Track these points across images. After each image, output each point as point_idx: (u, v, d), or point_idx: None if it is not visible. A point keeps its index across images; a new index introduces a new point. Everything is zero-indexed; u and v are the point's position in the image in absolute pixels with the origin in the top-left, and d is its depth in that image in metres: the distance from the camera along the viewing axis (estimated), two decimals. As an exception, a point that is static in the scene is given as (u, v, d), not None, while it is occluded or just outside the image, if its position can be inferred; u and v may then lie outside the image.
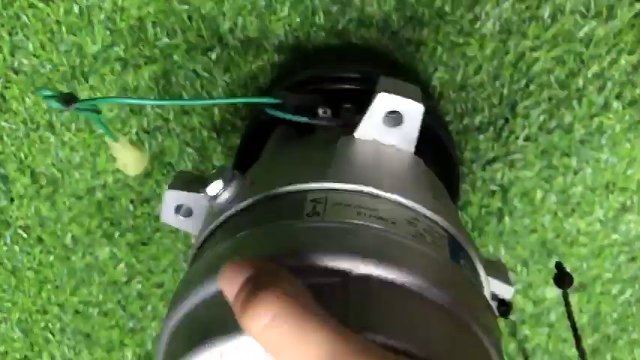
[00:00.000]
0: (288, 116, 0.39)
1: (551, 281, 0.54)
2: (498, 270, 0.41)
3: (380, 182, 0.32)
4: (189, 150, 0.54)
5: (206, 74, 0.52)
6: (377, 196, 0.31)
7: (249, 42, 0.51)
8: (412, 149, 0.36)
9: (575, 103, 0.52)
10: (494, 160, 0.53)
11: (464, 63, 0.50)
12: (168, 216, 0.40)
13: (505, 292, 0.43)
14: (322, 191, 0.31)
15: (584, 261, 0.54)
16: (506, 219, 0.53)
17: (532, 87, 0.52)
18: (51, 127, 0.53)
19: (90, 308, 0.57)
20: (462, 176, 0.52)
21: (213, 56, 0.51)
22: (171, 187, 0.40)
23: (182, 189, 0.39)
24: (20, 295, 0.57)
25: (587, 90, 0.52)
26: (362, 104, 0.38)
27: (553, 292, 0.54)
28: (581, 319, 0.55)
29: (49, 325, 0.57)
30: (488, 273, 0.38)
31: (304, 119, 0.40)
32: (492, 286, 0.39)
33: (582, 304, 0.54)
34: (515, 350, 0.55)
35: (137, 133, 0.53)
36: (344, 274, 0.26)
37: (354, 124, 0.37)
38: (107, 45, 0.51)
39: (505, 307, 0.40)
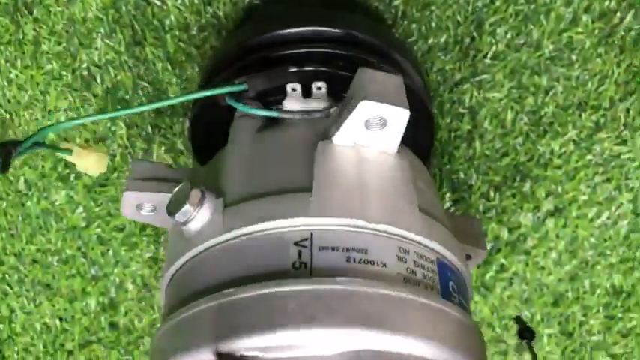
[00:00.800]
0: (253, 111, 0.36)
1: (526, 206, 0.53)
2: (473, 233, 0.41)
3: (367, 210, 0.30)
4: (144, 83, 0.51)
5: (157, 2, 0.50)
6: (365, 231, 0.30)
7: (200, -36, 0.48)
8: (395, 150, 0.34)
9: (542, 17, 0.50)
10: (461, 81, 0.51)
11: (426, -22, 0.48)
12: (129, 213, 0.39)
13: (478, 254, 0.41)
14: (307, 230, 0.30)
15: (558, 184, 0.52)
16: (477, 143, 0.52)
17: (497, 2, 0.50)
18: (-3, 65, 0.51)
19: (48, 256, 0.54)
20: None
21: (164, -18, 0.49)
22: (130, 188, 0.38)
23: (142, 189, 0.38)
24: (-26, 246, 0.55)
25: (554, 4, 0.50)
26: (335, 81, 0.37)
27: (528, 218, 0.53)
28: (559, 245, 0.53)
29: (6, 276, 0.55)
30: (462, 240, 0.37)
31: (273, 114, 0.36)
32: (466, 250, 0.40)
33: (559, 229, 0.53)
34: (492, 279, 0.53)
35: (88, 68, 0.51)
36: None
37: (328, 114, 0.35)
38: (51, -27, 0.48)
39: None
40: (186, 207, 0.31)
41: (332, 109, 0.36)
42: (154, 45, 0.51)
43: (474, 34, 0.50)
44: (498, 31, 0.50)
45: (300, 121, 0.36)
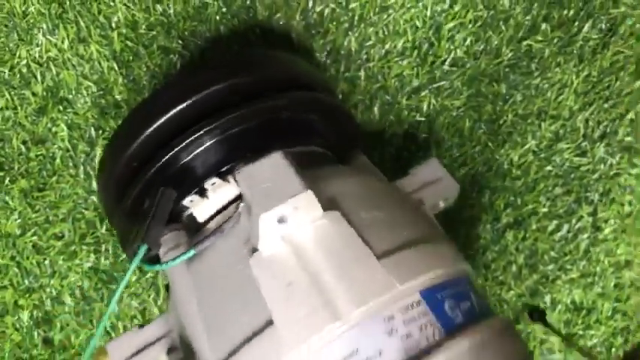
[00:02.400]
0: (169, 265, 0.34)
1: (485, 218, 0.51)
2: (436, 177, 0.39)
3: (335, 308, 0.28)
4: (88, 83, 0.49)
5: (104, -3, 0.47)
6: (345, 332, 0.28)
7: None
8: (321, 211, 0.31)
9: (502, 24, 0.49)
10: (419, 88, 0.50)
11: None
12: None
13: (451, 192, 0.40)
14: None
15: (518, 196, 0.51)
16: (433, 151, 0.50)
17: (456, 7, 0.49)
18: None
19: (-21, 266, 0.51)
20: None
21: (112, -22, 0.47)
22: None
23: None
24: None
25: (513, 10, 0.49)
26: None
27: (487, 230, 0.51)
28: (518, 260, 0.51)
29: None
30: (431, 190, 0.38)
31: (189, 254, 0.33)
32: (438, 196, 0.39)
33: (518, 242, 0.51)
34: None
35: (28, 65, 0.48)
36: None
37: (238, 219, 0.33)
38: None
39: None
40: None
41: (238, 212, 0.34)
42: (100, 43, 0.48)
43: (433, 39, 0.49)
44: (457, 37, 0.49)
45: (218, 242, 0.33)
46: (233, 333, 0.30)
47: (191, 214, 0.36)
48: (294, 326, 0.28)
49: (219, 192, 0.35)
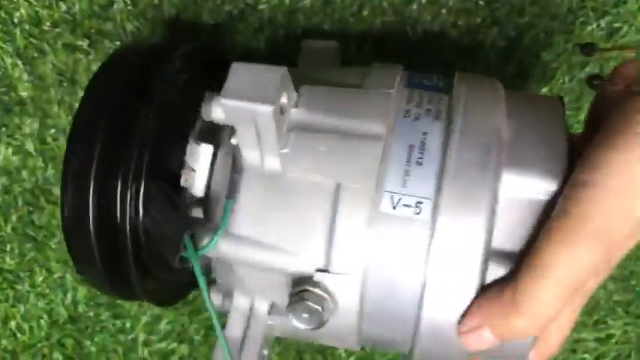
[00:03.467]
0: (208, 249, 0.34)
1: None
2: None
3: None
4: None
5: None
6: None
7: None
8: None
9: (409, 30, 0.50)
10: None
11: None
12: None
13: None
14: None
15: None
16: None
17: (365, 12, 0.49)
18: None
19: None
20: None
21: None
22: None
23: None
24: None
25: (421, 17, 0.50)
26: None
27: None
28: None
29: None
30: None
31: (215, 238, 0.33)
32: None
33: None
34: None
35: None
36: None
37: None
38: None
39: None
40: None
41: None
42: (2, 39, 0.47)
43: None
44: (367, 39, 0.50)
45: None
46: None
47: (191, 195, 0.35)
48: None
49: (198, 157, 0.34)
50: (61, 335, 0.52)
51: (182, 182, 0.34)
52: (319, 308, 0.32)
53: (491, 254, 0.31)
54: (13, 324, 0.52)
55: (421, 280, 0.31)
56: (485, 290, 0.31)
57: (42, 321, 0.52)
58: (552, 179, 0.31)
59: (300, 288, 0.32)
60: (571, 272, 0.28)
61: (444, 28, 0.50)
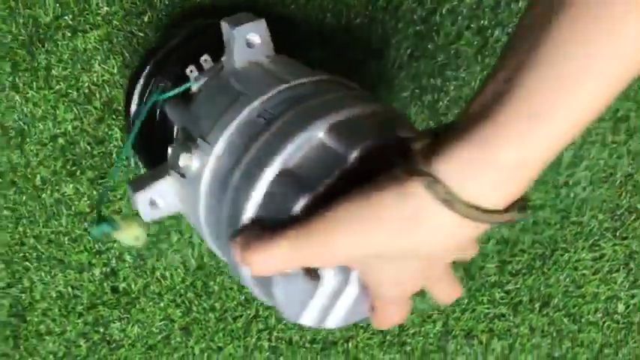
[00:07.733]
0: (174, 92, 0.52)
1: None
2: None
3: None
4: (133, 97, 0.66)
5: (141, 34, 0.64)
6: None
7: (173, 4, 0.64)
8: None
9: (434, 34, 0.67)
10: (373, 86, 0.67)
11: (345, 9, 0.65)
12: (148, 214, 0.47)
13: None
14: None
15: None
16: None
17: (400, 24, 0.66)
18: (15, 87, 0.65)
19: (61, 237, 0.68)
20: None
21: (146, 19, 0.64)
22: (136, 189, 0.46)
23: (147, 186, 0.46)
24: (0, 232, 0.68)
25: (443, 24, 0.67)
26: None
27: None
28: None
29: (27, 255, 0.69)
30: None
31: (185, 86, 0.52)
32: None
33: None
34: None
35: (89, 87, 0.65)
36: None
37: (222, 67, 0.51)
38: (57, 15, 0.63)
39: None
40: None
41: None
42: (140, 67, 0.65)
43: (383, 49, 0.67)
44: (402, 45, 0.67)
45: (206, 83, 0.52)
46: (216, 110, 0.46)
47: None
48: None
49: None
50: (193, 279, 0.71)
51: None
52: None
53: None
54: (158, 273, 0.70)
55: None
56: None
57: (179, 270, 0.71)
58: None
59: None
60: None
61: (461, 31, 0.67)
